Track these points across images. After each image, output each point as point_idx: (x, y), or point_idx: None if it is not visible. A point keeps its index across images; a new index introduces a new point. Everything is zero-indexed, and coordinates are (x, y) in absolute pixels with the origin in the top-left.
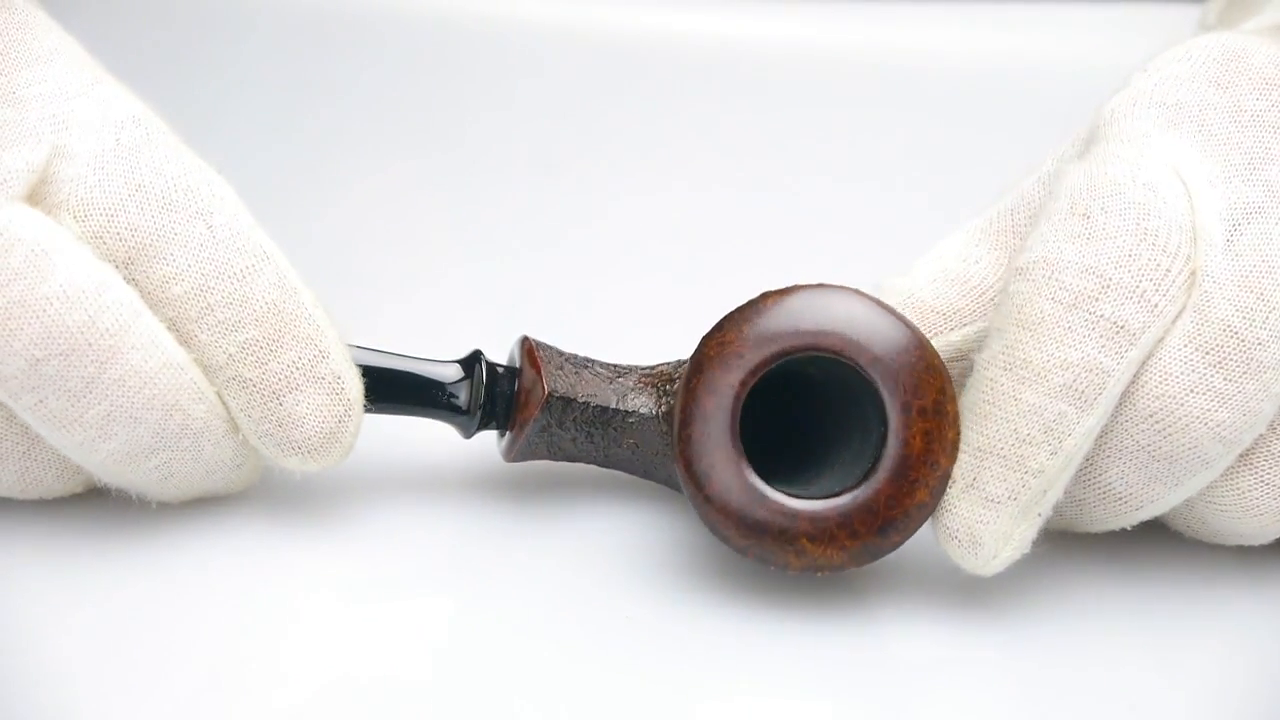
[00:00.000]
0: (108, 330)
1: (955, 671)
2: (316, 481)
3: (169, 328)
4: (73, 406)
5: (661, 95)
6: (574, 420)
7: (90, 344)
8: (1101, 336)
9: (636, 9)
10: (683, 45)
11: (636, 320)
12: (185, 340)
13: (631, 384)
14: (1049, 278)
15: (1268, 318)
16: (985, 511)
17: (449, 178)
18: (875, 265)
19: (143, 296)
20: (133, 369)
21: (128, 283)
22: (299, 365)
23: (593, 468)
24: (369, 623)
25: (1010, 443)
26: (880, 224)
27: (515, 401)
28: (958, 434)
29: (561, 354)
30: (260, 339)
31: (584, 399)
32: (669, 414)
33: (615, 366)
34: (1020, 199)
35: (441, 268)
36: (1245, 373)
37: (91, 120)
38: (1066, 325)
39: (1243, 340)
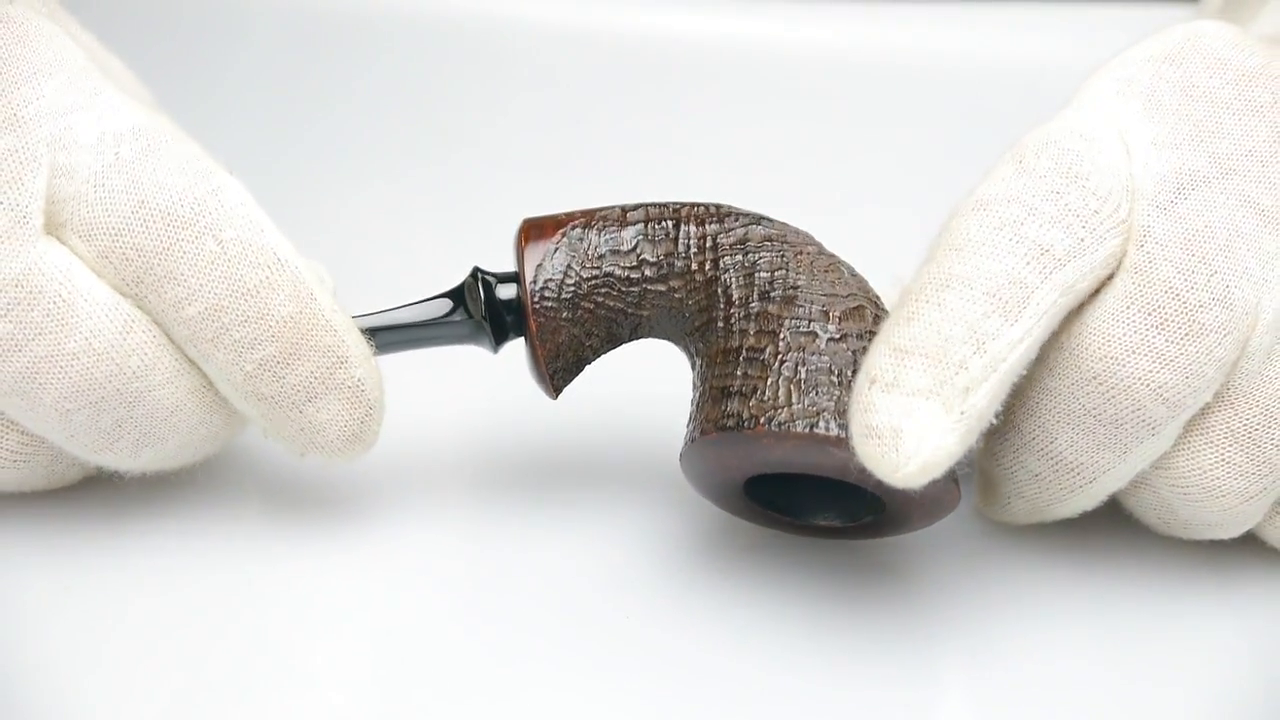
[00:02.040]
0: (134, 373)
1: (952, 677)
2: (322, 483)
3: (185, 344)
4: (103, 439)
5: (662, 95)
6: (590, 359)
7: (119, 390)
8: (1026, 254)
9: (637, 9)
10: (683, 45)
11: None
12: (203, 357)
13: (652, 261)
14: (977, 209)
15: (1209, 281)
16: (907, 402)
17: (449, 178)
18: (874, 264)
19: (156, 316)
20: (161, 403)
21: (139, 301)
22: (318, 375)
23: (593, 461)
24: (373, 624)
25: (934, 341)
26: (879, 223)
27: (521, 309)
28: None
29: (563, 266)
30: (277, 355)
31: (592, 350)
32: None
33: (630, 234)
34: None
35: (441, 268)
36: (1187, 335)
37: (90, 136)
38: (992, 243)
39: (1185, 302)
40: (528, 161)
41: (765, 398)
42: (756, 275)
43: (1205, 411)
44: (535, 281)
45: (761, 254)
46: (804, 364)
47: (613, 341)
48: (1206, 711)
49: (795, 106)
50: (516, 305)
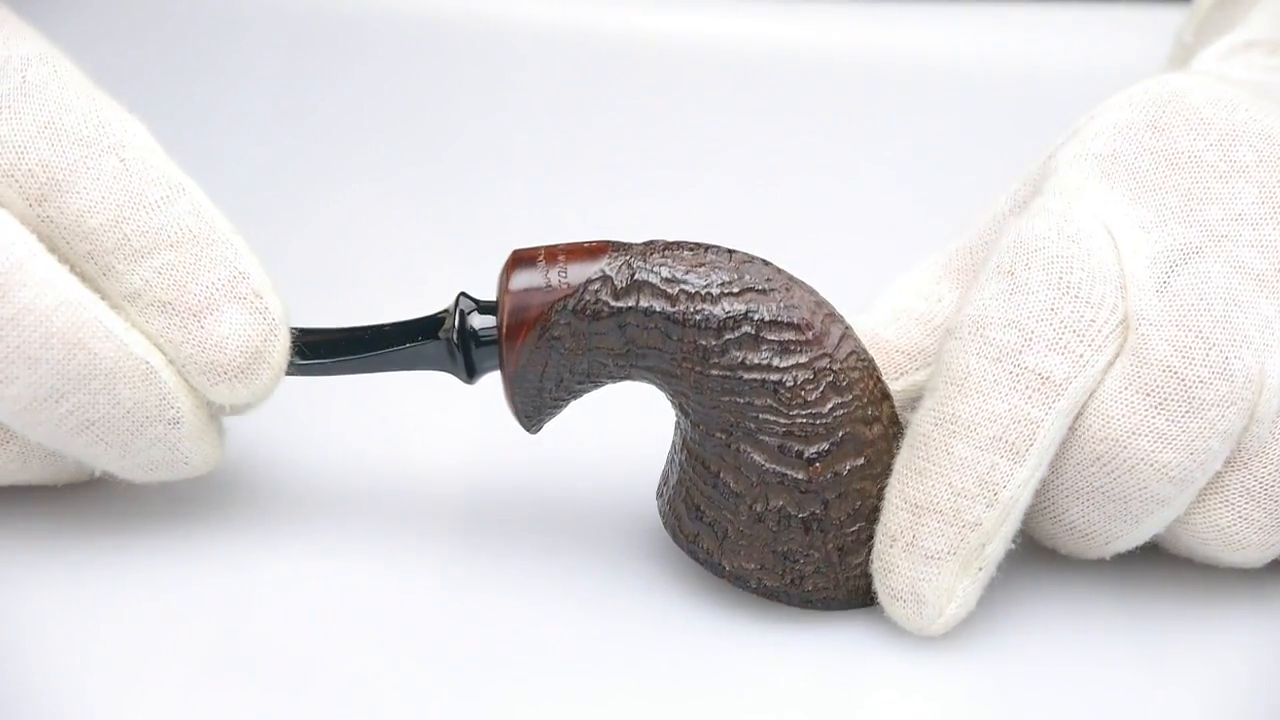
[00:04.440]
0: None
1: (951, 679)
2: (315, 486)
3: (86, 260)
4: None
5: (659, 96)
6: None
7: None
8: (1027, 388)
9: (634, 9)
10: (681, 45)
11: None
12: (103, 271)
13: (640, 347)
14: (975, 334)
15: (1207, 355)
16: (926, 568)
17: (444, 177)
18: (873, 266)
19: (58, 232)
20: (25, 307)
21: (42, 220)
22: (218, 286)
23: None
24: (368, 626)
25: (946, 497)
26: (878, 224)
27: (499, 338)
28: None
29: (542, 364)
30: (177, 262)
31: (572, 394)
32: None
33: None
34: (977, 237)
35: (436, 267)
36: (1188, 412)
37: None
38: (993, 379)
39: (1183, 379)
40: (524, 162)
41: (738, 553)
42: (744, 411)
43: (1219, 473)
44: (517, 356)
45: (750, 384)
46: (776, 532)
47: (595, 384)
48: (1226, 708)
49: (794, 107)
50: (492, 339)
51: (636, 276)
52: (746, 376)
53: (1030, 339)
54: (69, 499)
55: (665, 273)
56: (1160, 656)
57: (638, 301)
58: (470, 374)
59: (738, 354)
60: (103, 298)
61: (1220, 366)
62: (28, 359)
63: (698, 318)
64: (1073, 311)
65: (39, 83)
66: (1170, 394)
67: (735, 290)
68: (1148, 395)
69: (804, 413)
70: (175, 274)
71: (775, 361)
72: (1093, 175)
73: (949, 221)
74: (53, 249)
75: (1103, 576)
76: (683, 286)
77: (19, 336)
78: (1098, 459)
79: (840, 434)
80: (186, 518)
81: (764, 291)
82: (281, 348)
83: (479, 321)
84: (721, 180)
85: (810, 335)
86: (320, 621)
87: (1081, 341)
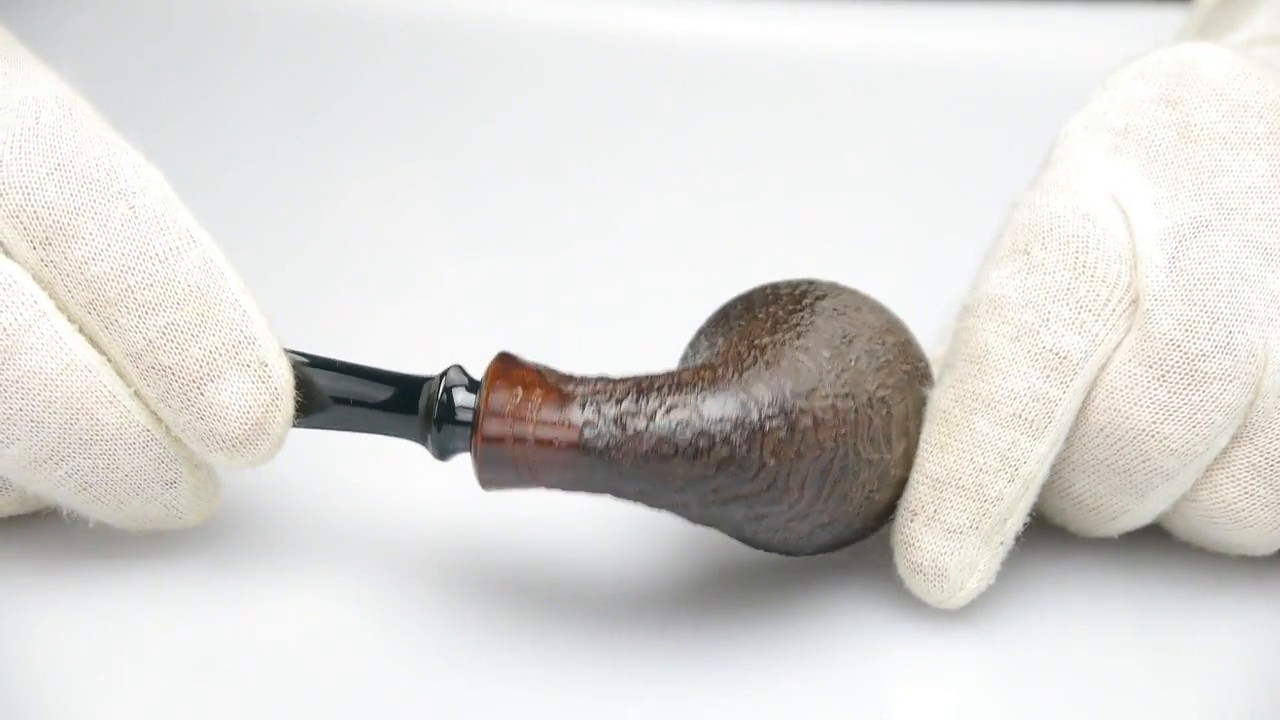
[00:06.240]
0: (6, 330)
1: (950, 674)
2: (304, 512)
3: (88, 311)
4: None
5: (661, 99)
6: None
7: None
8: (1045, 367)
9: (636, 11)
10: (682, 48)
11: (637, 328)
12: (105, 324)
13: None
14: (992, 312)
15: (1211, 329)
16: (949, 542)
17: (448, 182)
18: (873, 267)
19: (61, 278)
20: (31, 370)
21: (46, 265)
22: (222, 351)
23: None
24: (361, 650)
25: (968, 472)
26: (879, 226)
27: (474, 418)
28: None
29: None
30: (181, 322)
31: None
32: None
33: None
34: None
35: (439, 273)
36: (1189, 385)
37: (10, 100)
38: (1011, 357)
39: (1186, 353)
40: (533, 165)
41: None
42: (734, 517)
43: (1226, 449)
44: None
45: (728, 533)
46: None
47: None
48: (1230, 698)
49: (796, 108)
50: (469, 426)
51: (609, 470)
52: (722, 530)
53: (1048, 319)
54: (54, 531)
55: (630, 464)
56: (1166, 645)
57: (609, 485)
58: (443, 453)
59: (712, 513)
60: (105, 355)
61: (1224, 340)
62: (31, 422)
63: (669, 502)
64: (1089, 291)
65: (52, 125)
66: (1173, 367)
67: (709, 473)
68: (1151, 368)
69: (786, 540)
70: (178, 336)
71: (749, 514)
72: (1105, 150)
73: (950, 222)
74: (56, 300)
75: (1108, 566)
76: (653, 484)
77: (23, 400)
78: (1101, 430)
79: (830, 521)
80: (180, 557)
81: (733, 464)
82: (283, 418)
83: (461, 400)
84: (725, 180)
85: (783, 488)
86: (318, 645)
87: (1097, 320)
